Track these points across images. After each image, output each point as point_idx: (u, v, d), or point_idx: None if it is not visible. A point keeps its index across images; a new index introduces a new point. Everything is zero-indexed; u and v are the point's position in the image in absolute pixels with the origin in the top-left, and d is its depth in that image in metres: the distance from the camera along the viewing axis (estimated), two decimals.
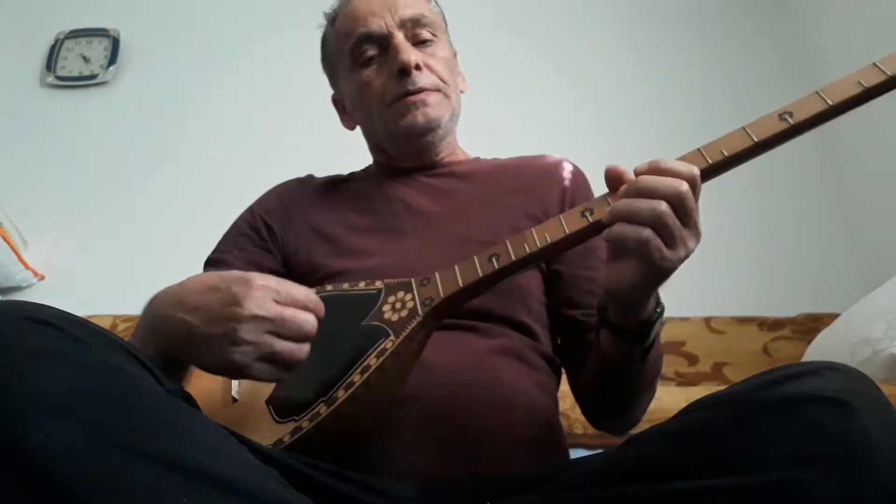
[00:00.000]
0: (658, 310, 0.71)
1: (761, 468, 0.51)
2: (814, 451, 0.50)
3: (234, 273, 0.65)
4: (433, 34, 0.98)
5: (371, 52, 0.95)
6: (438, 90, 0.95)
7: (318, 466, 0.64)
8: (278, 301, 0.62)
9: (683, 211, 0.61)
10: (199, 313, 0.62)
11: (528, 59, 2.42)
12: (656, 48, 2.42)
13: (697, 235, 0.64)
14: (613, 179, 0.67)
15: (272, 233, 0.96)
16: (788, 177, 2.17)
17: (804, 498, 0.49)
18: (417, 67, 0.92)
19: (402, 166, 1.01)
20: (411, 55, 0.92)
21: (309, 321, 0.63)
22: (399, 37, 0.93)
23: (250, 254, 0.94)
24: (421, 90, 0.93)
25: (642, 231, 0.61)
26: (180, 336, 0.63)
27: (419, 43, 0.96)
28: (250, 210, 1.00)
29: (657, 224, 0.61)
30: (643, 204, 0.61)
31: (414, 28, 0.95)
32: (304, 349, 0.63)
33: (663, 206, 0.61)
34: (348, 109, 1.06)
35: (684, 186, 0.61)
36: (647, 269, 0.63)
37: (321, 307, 0.65)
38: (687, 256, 0.63)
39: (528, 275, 0.88)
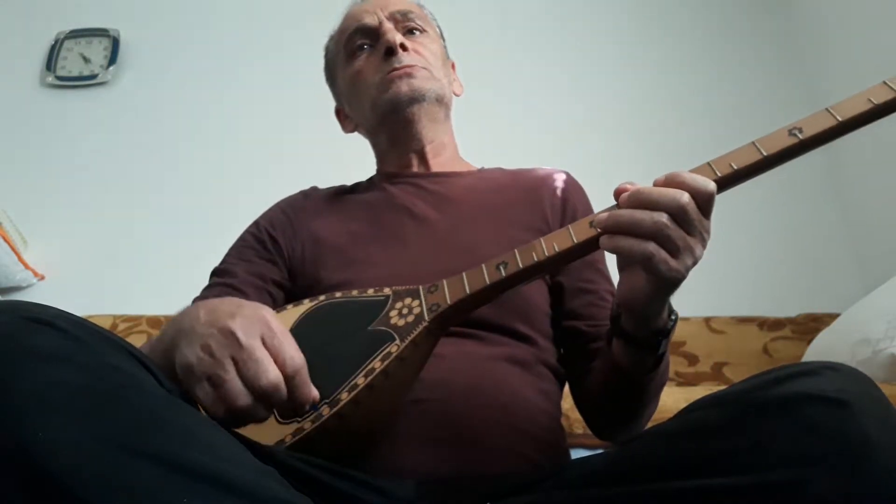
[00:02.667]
0: (672, 318, 0.71)
1: (761, 468, 0.51)
2: (813, 450, 0.50)
3: (260, 305, 0.62)
4: (422, 28, 1.05)
5: (362, 42, 1.02)
6: (425, 68, 1.00)
7: (318, 466, 0.64)
8: (264, 340, 0.58)
9: (686, 221, 0.61)
10: (210, 315, 0.61)
11: (534, 72, 2.42)
12: (661, 61, 2.42)
13: (704, 243, 0.64)
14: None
15: (277, 245, 0.97)
16: (788, 177, 2.16)
17: (804, 498, 0.49)
18: (403, 48, 0.98)
19: (401, 170, 1.03)
20: (396, 36, 0.99)
21: (271, 378, 0.56)
22: (387, 24, 1.00)
23: (256, 265, 0.95)
24: (407, 67, 0.98)
25: (647, 245, 0.61)
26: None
27: (408, 32, 1.03)
28: (256, 223, 1.02)
29: (659, 236, 0.61)
30: (644, 216, 0.61)
31: (403, 21, 1.03)
32: (245, 401, 0.56)
33: (664, 217, 0.61)
34: (346, 112, 1.10)
35: (685, 198, 0.61)
36: (655, 280, 0.63)
37: (302, 375, 0.59)
38: (695, 264, 0.63)
39: (534, 287, 0.89)
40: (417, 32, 1.04)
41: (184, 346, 0.59)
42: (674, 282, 0.63)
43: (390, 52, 0.98)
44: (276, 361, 0.58)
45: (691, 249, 0.62)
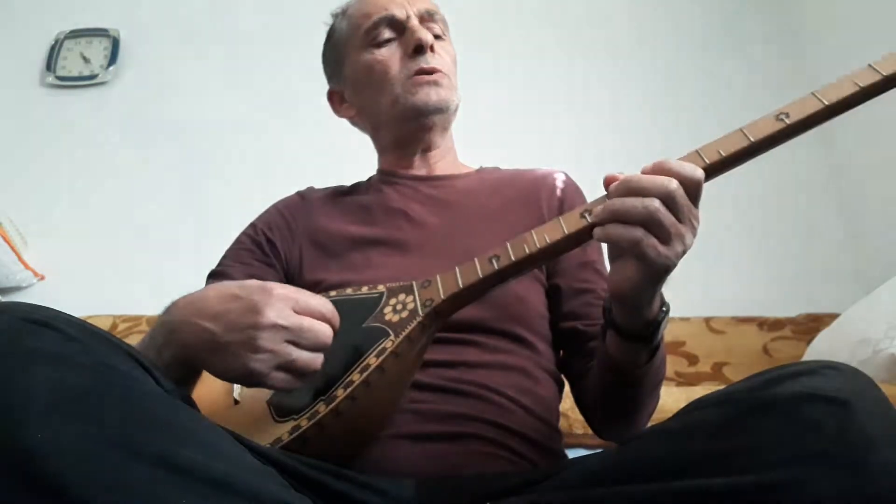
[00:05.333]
0: (664, 309, 0.71)
1: (761, 467, 0.51)
2: (813, 450, 0.50)
3: (255, 282, 0.66)
4: (443, 32, 1.04)
5: (387, 34, 1.00)
6: (447, 77, 0.99)
7: (316, 466, 0.64)
8: (296, 310, 0.64)
9: (675, 207, 0.62)
10: (219, 321, 0.63)
11: (533, 70, 2.42)
12: (660, 58, 2.42)
13: (694, 230, 0.64)
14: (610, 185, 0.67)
15: (274, 247, 0.97)
16: (788, 177, 2.17)
17: (804, 497, 0.49)
18: (432, 48, 0.97)
19: (401, 170, 1.03)
20: (428, 35, 0.97)
21: (325, 332, 0.64)
22: (415, 21, 0.99)
23: (253, 268, 0.95)
24: (434, 70, 0.97)
25: (634, 231, 0.61)
26: (200, 343, 0.63)
27: (434, 36, 1.01)
28: (252, 225, 1.01)
29: (649, 222, 0.61)
30: (636, 202, 0.62)
31: (430, 20, 1.01)
32: (319, 359, 0.64)
33: (656, 203, 0.61)
34: (348, 97, 1.07)
35: (673, 184, 0.61)
36: (645, 268, 0.63)
37: (337, 318, 0.66)
38: (685, 252, 0.63)
39: (531, 290, 0.89)
40: (440, 37, 1.02)
41: (222, 360, 0.62)
42: (664, 268, 0.63)
43: (420, 49, 0.96)
44: (315, 317, 0.64)
45: (681, 237, 0.62)
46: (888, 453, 0.50)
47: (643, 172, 0.64)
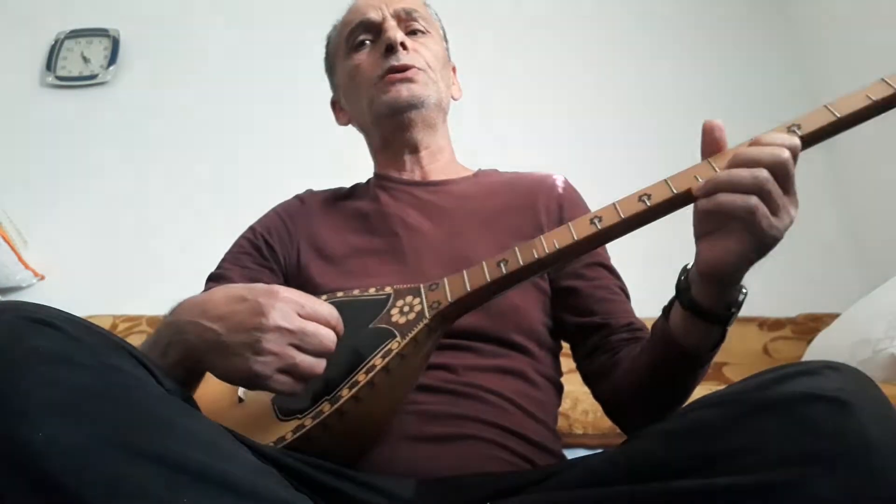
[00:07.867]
0: (743, 291, 0.70)
1: (761, 467, 0.51)
2: (813, 450, 0.50)
3: (262, 285, 0.66)
4: (426, 29, 1.04)
5: (364, 38, 1.02)
6: (423, 70, 0.99)
7: (317, 465, 0.64)
8: (302, 315, 0.64)
9: (786, 178, 0.61)
10: (224, 322, 0.63)
11: (533, 73, 2.42)
12: (659, 62, 2.41)
13: (796, 204, 0.63)
14: (710, 133, 0.67)
15: (273, 252, 0.97)
16: None
17: (803, 497, 0.49)
18: (403, 46, 0.98)
19: (395, 173, 1.03)
20: (398, 34, 0.98)
21: (329, 337, 0.65)
22: (391, 21, 1.00)
23: (252, 271, 0.95)
24: (406, 67, 0.97)
25: (749, 199, 0.60)
26: (205, 343, 0.63)
27: (411, 32, 1.02)
28: (252, 229, 1.02)
29: (761, 192, 0.60)
30: (744, 172, 0.61)
31: (407, 19, 1.02)
32: (322, 364, 0.64)
33: (765, 172, 0.60)
34: (342, 104, 1.09)
35: (786, 154, 0.61)
36: (752, 240, 0.62)
37: (341, 324, 0.66)
38: (790, 224, 0.63)
39: (527, 297, 0.89)
40: (420, 33, 1.03)
41: (226, 361, 0.62)
42: (771, 241, 0.62)
43: (390, 49, 0.97)
44: (320, 322, 0.64)
45: (787, 209, 0.62)
46: (888, 453, 0.50)
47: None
